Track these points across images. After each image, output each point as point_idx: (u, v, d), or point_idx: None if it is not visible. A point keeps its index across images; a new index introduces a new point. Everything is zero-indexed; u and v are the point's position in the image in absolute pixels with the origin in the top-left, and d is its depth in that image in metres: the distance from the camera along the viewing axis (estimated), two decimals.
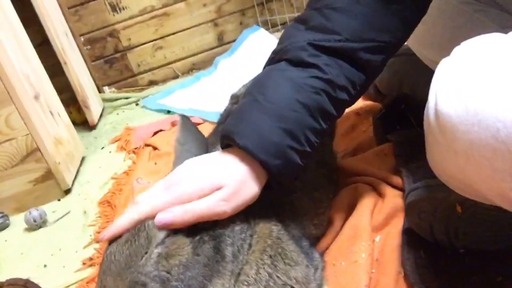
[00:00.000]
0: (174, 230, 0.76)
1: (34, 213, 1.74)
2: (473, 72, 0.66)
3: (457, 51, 0.72)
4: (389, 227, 1.09)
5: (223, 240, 0.79)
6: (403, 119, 1.37)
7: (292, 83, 0.90)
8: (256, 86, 0.95)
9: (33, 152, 1.83)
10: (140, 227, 0.74)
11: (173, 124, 2.20)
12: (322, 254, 1.07)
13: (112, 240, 0.76)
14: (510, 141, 0.58)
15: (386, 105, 1.45)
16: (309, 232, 1.05)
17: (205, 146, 1.04)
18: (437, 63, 0.74)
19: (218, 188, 0.81)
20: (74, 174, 2.03)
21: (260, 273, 0.81)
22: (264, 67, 1.01)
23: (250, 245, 0.84)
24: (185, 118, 1.04)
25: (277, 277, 0.82)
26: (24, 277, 1.30)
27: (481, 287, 0.85)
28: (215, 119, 1.72)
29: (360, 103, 1.67)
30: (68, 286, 1.35)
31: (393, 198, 1.15)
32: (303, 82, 0.90)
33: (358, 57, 0.94)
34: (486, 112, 0.61)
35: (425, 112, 0.72)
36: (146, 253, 0.72)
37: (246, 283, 0.79)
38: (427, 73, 0.79)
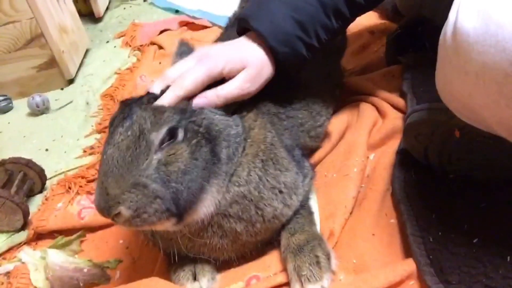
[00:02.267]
0: (171, 134, 0.75)
1: (37, 98, 1.76)
2: None
3: None
4: (385, 147, 1.11)
5: (218, 143, 0.80)
6: (418, 42, 1.32)
7: None
8: None
9: (37, 38, 1.80)
10: (139, 135, 0.74)
11: (181, 24, 2.14)
12: (315, 165, 1.10)
13: (110, 142, 0.75)
14: None
15: (402, 26, 1.40)
16: (304, 143, 1.06)
17: None
18: None
19: (243, 67, 0.87)
20: (77, 65, 2.01)
21: (251, 175, 0.84)
22: None
23: (244, 148, 0.85)
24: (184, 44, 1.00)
25: (267, 180, 0.85)
26: (26, 158, 1.34)
27: (464, 210, 0.88)
28: (224, 23, 1.67)
29: (376, 21, 1.61)
30: (69, 170, 1.40)
31: (394, 120, 1.15)
32: None
33: None
34: (506, 34, 0.59)
35: (442, 29, 0.70)
36: (147, 159, 0.73)
37: (237, 183, 0.82)
38: None
